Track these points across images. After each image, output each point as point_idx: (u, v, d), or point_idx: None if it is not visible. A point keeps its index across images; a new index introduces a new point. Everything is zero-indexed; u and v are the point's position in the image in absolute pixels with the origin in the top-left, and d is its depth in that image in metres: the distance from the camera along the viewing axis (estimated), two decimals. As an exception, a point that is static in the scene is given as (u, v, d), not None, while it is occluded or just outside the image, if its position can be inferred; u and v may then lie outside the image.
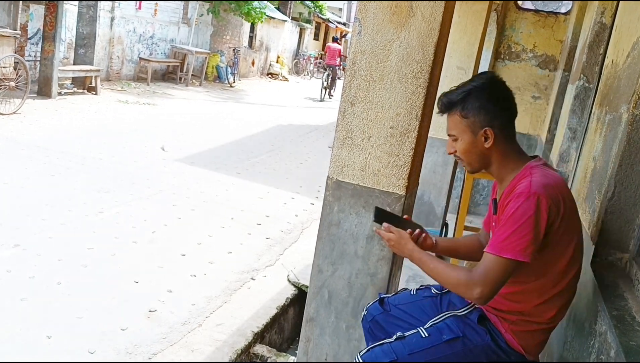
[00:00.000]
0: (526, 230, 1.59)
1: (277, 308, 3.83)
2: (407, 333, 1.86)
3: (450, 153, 1.89)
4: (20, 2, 9.04)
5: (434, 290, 2.09)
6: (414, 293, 2.12)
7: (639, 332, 1.46)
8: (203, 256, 4.45)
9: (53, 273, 3.75)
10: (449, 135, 1.86)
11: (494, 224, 1.87)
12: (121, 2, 12.74)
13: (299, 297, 4.09)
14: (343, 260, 2.44)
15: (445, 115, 1.85)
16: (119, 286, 3.74)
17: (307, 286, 3.56)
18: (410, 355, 1.81)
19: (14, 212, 4.66)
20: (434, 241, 2.05)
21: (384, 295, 2.15)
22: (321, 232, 2.49)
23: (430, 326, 1.86)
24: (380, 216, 1.98)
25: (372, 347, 1.88)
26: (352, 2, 34.02)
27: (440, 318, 1.88)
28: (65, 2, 10.02)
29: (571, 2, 6.22)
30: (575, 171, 3.20)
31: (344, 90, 2.38)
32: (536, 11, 6.34)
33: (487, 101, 1.78)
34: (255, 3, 16.81)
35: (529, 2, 7.67)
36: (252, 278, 4.22)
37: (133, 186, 5.86)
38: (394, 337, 1.87)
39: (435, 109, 1.93)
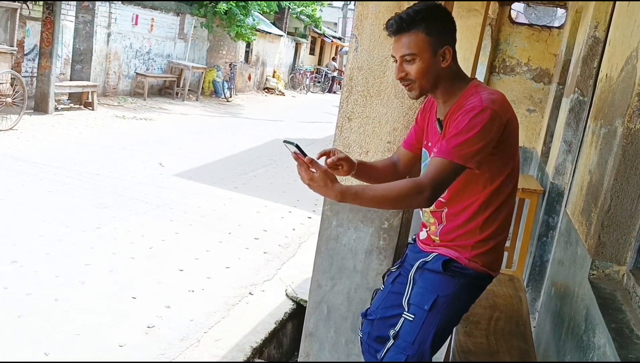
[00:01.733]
0: (477, 139, 1.69)
1: (275, 323, 3.81)
2: (397, 327, 1.87)
3: (399, 78, 1.82)
4: (17, 19, 9.08)
5: (392, 269, 2.11)
6: (383, 287, 2.11)
7: (638, 345, 1.47)
8: (201, 271, 4.44)
9: (50, 289, 3.74)
10: (401, 57, 1.78)
11: (429, 144, 1.93)
12: (118, 17, 12.81)
13: (298, 312, 4.08)
14: (342, 274, 2.45)
15: (395, 36, 1.79)
16: (116, 302, 3.73)
17: (305, 301, 3.55)
18: (413, 345, 1.82)
19: (11, 228, 4.65)
20: (355, 162, 1.95)
21: (364, 312, 2.14)
22: (320, 247, 2.49)
23: (409, 305, 1.87)
24: (293, 145, 1.72)
25: (381, 359, 1.88)
26: (348, 17, 34.25)
27: (409, 291, 1.90)
28: (62, 18, 10.07)
29: (564, 16, 6.29)
30: (571, 184, 3.22)
31: (341, 105, 2.41)
32: (530, 25, 6.41)
33: (447, 21, 1.81)
34: (247, 20, 16.87)
35: (523, 16, 7.75)
36: (250, 293, 4.21)
37: (130, 202, 5.86)
38: (390, 337, 1.87)
39: (384, 32, 1.85)
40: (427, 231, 2.00)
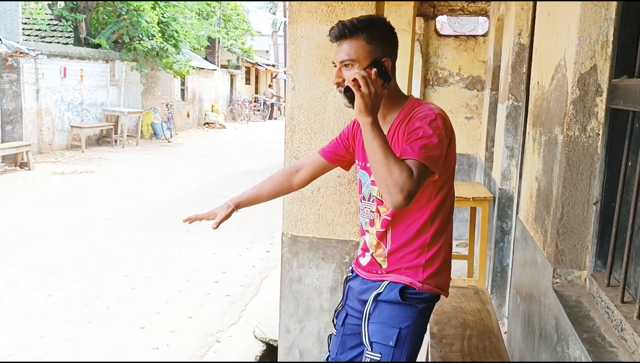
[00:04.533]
0: (437, 144, 1.65)
1: (247, 369, 3.72)
2: None
3: (336, 83, 1.79)
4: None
5: (338, 308, 2.06)
6: (336, 332, 2.05)
7: (612, 353, 1.48)
8: (163, 325, 4.29)
9: (5, 371, 3.54)
10: (341, 62, 1.76)
11: (369, 165, 1.82)
12: (45, 72, 12.48)
13: (269, 352, 3.99)
14: (309, 315, 2.41)
15: (337, 41, 1.79)
16: (78, 373, 3.56)
17: (275, 340, 3.48)
18: None
19: (-45, 310, 4.39)
20: (229, 205, 2.18)
21: (326, 360, 2.07)
22: (283, 290, 2.45)
23: (371, 345, 1.82)
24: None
25: None
26: (279, 44, 34.54)
27: (366, 329, 1.84)
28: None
29: (487, 24, 6.50)
30: (519, 189, 3.29)
31: (286, 145, 2.38)
32: (456, 36, 6.59)
33: (389, 33, 1.82)
34: (179, 56, 16.81)
35: (448, 26, 7.97)
36: (217, 341, 4.09)
37: (81, 262, 5.64)
38: None
39: (328, 36, 1.84)
40: (370, 254, 1.92)
